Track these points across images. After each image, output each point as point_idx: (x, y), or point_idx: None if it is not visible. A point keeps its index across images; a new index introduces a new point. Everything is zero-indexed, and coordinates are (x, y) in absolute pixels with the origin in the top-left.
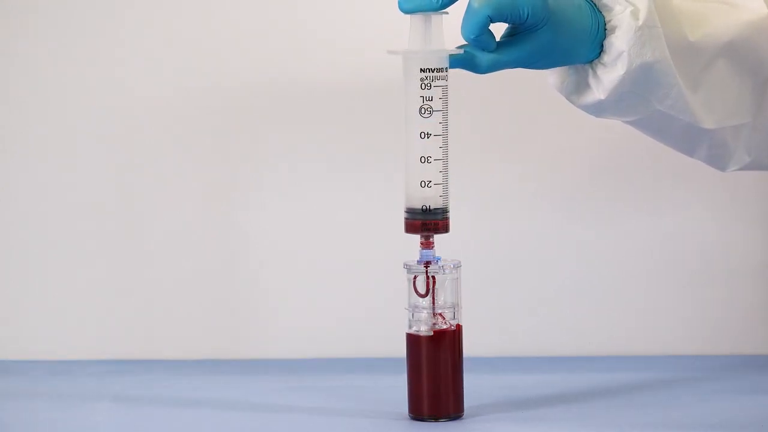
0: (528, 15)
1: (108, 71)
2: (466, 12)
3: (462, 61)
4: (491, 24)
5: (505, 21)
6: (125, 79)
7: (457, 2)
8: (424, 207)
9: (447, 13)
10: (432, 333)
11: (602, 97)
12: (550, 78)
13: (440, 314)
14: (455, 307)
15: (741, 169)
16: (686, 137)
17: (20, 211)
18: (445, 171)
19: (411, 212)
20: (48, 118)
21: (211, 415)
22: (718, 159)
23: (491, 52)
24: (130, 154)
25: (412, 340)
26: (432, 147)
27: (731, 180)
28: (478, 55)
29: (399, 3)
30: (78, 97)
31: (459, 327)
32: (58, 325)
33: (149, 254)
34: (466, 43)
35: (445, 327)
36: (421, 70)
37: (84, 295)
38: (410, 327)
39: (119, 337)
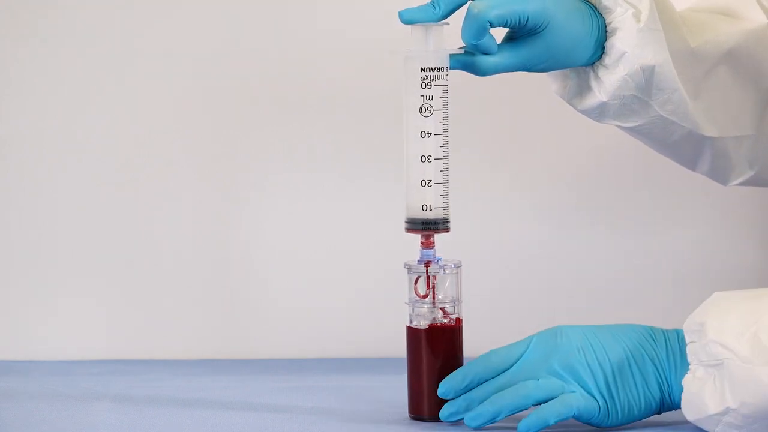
0: (528, 19)
1: (110, 74)
2: (466, 17)
3: (463, 63)
4: (491, 28)
5: (505, 26)
6: (128, 83)
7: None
8: (424, 206)
9: (448, 23)
10: (432, 326)
11: (604, 98)
12: (552, 85)
13: (441, 309)
14: (456, 301)
15: (743, 183)
16: (688, 146)
17: (20, 211)
18: (445, 170)
19: (411, 222)
20: (49, 119)
21: (211, 415)
22: (720, 172)
23: (492, 55)
24: (131, 155)
25: (412, 333)
26: (432, 146)
27: (731, 188)
28: (478, 58)
29: (399, 14)
30: (80, 99)
31: (459, 321)
32: (58, 325)
33: (150, 255)
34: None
35: (445, 321)
36: (421, 69)
37: (84, 295)
38: (410, 321)
39: (119, 337)
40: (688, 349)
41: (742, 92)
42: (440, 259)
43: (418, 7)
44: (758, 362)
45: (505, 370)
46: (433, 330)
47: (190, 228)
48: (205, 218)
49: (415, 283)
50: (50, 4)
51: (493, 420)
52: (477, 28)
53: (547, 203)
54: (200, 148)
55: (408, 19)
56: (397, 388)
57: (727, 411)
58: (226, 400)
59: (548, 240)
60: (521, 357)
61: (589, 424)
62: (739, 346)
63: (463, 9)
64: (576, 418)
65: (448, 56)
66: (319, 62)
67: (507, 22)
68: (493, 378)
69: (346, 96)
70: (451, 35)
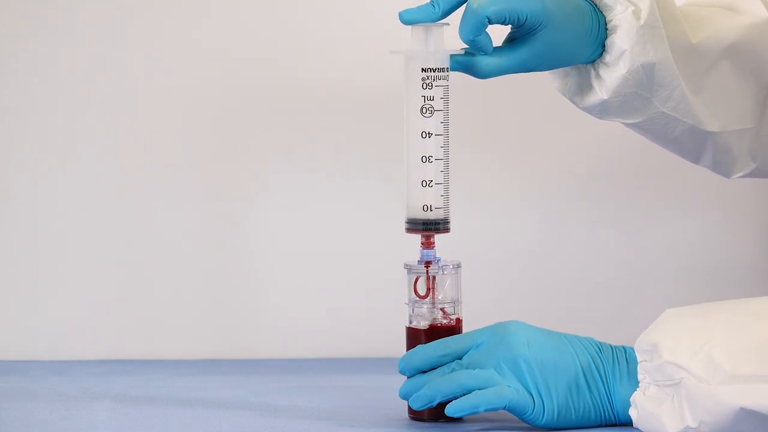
0: (527, 17)
1: (110, 74)
2: (465, 13)
3: (463, 65)
4: (489, 25)
5: (503, 23)
6: (128, 83)
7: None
8: (424, 206)
9: (448, 24)
10: (431, 326)
11: (605, 96)
12: (553, 83)
13: (441, 309)
14: (455, 302)
15: (746, 175)
16: (690, 141)
17: (20, 211)
18: (446, 171)
19: (412, 223)
20: (49, 119)
21: (210, 415)
22: (722, 165)
23: (490, 55)
24: (131, 155)
25: (412, 333)
26: (433, 147)
27: (734, 182)
28: (478, 59)
29: (400, 15)
30: (80, 99)
31: (459, 321)
32: (58, 325)
33: (149, 255)
34: (466, 46)
35: (445, 322)
36: (422, 69)
37: (84, 295)
38: (410, 321)
39: (119, 337)
40: (640, 368)
41: (744, 86)
42: (440, 260)
43: (417, 7)
44: (714, 381)
45: (459, 358)
46: (433, 330)
47: (190, 228)
48: (205, 218)
49: (415, 283)
50: (50, 4)
51: (430, 403)
52: (475, 24)
53: (547, 203)
54: (200, 148)
55: (408, 19)
56: (397, 389)
57: (686, 430)
58: (226, 400)
59: (548, 240)
60: (474, 346)
61: (522, 419)
62: (694, 366)
63: (462, 10)
64: (508, 410)
65: (449, 57)
66: (320, 63)
67: (505, 18)
68: (446, 364)
69: (346, 96)
70: (452, 36)
